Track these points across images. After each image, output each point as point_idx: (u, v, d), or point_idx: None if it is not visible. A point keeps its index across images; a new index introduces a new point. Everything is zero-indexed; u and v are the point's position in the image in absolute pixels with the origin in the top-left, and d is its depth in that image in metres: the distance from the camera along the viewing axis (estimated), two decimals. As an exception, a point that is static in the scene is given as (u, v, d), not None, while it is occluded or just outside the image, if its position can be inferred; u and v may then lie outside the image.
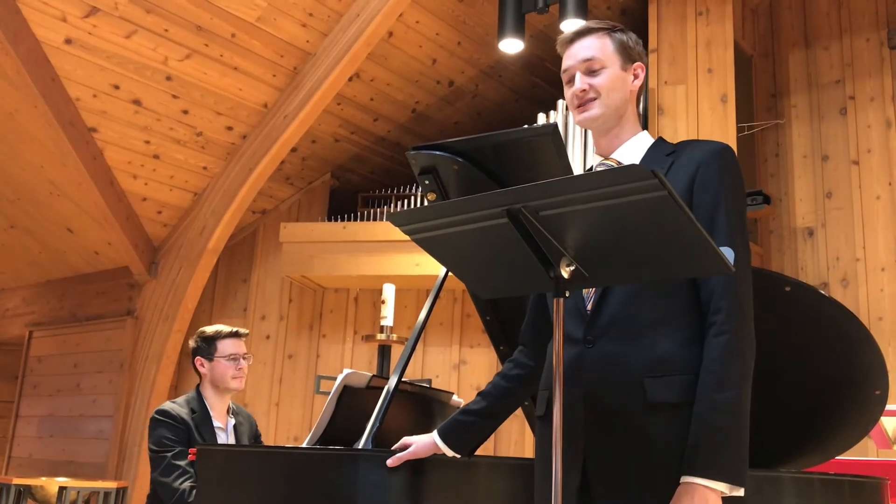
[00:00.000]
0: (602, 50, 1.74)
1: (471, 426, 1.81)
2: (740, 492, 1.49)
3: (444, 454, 1.80)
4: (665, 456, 1.51)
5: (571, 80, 1.76)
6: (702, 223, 1.53)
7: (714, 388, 1.50)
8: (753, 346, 1.57)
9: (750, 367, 1.55)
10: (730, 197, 1.61)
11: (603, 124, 1.74)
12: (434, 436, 1.81)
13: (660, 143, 1.77)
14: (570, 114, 5.31)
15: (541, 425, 1.74)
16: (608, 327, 1.60)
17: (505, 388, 1.85)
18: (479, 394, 1.86)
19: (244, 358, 3.25)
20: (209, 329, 3.29)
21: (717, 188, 1.61)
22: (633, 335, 1.58)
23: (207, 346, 3.22)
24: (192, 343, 3.27)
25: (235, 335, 3.27)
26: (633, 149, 1.75)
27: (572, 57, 1.76)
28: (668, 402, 1.53)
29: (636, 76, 1.77)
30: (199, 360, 3.22)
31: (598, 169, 1.75)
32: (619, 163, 1.74)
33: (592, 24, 1.79)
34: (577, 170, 4.29)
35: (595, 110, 1.72)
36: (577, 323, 1.63)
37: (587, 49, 1.74)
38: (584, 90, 1.72)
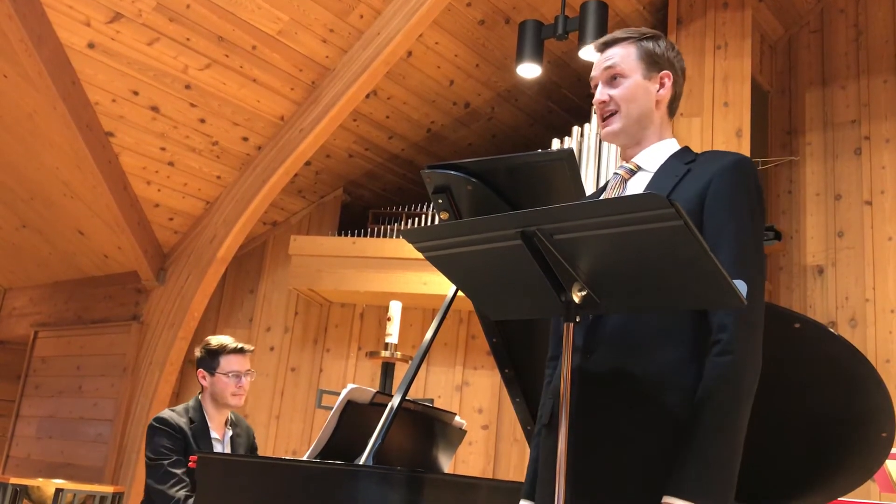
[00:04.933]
0: (625, 59, 1.74)
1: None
2: None
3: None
4: (655, 474, 1.48)
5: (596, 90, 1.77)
6: (707, 241, 1.46)
7: (707, 411, 1.46)
8: (757, 368, 1.51)
9: (750, 390, 1.49)
10: (741, 216, 1.55)
11: (625, 138, 1.74)
12: None
13: (683, 151, 1.75)
14: (585, 140, 5.32)
15: (546, 434, 1.68)
16: (610, 337, 1.57)
17: None
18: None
19: (246, 375, 3.19)
20: (214, 341, 3.22)
21: (727, 207, 1.55)
22: (634, 346, 1.55)
23: (211, 359, 3.16)
24: (196, 353, 3.23)
25: (240, 351, 3.19)
26: (654, 154, 1.73)
27: (597, 66, 1.78)
28: (665, 420, 1.50)
29: (662, 85, 1.74)
30: (201, 371, 3.17)
31: (618, 171, 1.75)
32: (638, 166, 1.73)
33: (620, 33, 1.79)
34: (591, 188, 4.26)
35: (615, 125, 1.73)
36: (578, 330, 1.59)
37: (609, 58, 1.75)
38: (604, 101, 1.73)
